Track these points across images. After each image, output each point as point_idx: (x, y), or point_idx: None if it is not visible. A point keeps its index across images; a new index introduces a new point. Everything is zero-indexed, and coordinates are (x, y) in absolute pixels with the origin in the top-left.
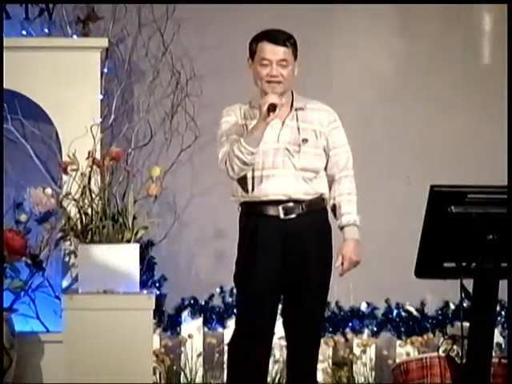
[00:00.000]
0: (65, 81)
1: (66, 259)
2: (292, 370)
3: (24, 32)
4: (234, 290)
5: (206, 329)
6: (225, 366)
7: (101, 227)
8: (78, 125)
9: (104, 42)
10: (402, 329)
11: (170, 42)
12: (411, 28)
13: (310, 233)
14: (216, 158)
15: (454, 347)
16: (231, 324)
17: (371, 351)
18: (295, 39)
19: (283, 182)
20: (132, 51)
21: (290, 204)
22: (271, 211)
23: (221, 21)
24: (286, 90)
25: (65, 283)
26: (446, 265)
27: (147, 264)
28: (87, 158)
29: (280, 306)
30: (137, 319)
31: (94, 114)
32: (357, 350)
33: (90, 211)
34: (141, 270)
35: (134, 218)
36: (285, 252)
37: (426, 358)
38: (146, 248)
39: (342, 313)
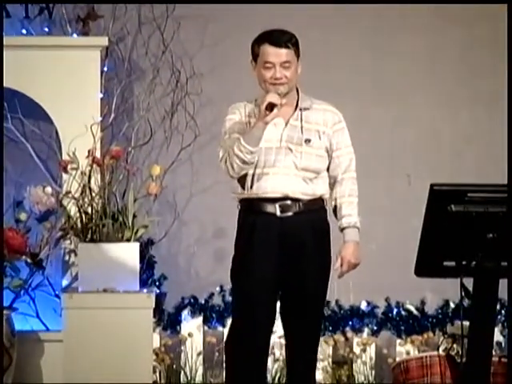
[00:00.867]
0: (65, 79)
1: (66, 258)
2: (291, 369)
3: (24, 31)
4: None
5: (205, 327)
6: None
7: (101, 226)
8: (77, 123)
9: (104, 41)
10: (402, 327)
11: (169, 40)
12: (411, 28)
13: (307, 231)
14: (216, 157)
15: (454, 346)
16: None
17: (371, 350)
18: (297, 38)
19: (283, 181)
20: (132, 50)
21: (287, 202)
22: (269, 208)
23: (221, 20)
24: (290, 89)
25: (65, 282)
26: (445, 263)
27: (147, 263)
28: (87, 157)
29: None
30: (137, 318)
31: (93, 113)
32: (357, 349)
33: (90, 210)
34: (141, 268)
35: (134, 216)
36: (282, 249)
37: (426, 357)
38: (145, 247)
39: (341, 311)
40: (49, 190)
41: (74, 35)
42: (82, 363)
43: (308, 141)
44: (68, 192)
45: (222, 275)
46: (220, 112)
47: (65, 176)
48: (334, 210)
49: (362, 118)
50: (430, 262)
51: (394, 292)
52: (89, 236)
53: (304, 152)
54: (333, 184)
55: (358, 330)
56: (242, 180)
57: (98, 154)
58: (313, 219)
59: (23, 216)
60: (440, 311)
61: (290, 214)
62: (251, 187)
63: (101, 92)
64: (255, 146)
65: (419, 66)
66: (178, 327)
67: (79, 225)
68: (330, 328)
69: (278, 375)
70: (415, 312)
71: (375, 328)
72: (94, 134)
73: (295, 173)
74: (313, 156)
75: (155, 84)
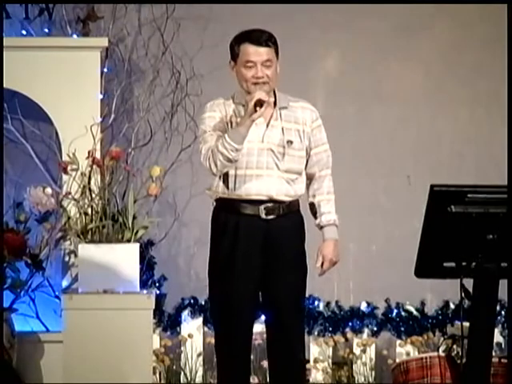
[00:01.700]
0: (65, 80)
1: (66, 259)
2: (274, 368)
3: (24, 32)
4: None
5: (205, 328)
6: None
7: (101, 227)
8: (77, 124)
9: (104, 42)
10: (402, 328)
11: (169, 41)
12: (411, 28)
13: (290, 232)
14: None
15: (454, 347)
16: None
17: (371, 351)
18: (276, 38)
19: (267, 183)
20: (132, 51)
21: (271, 204)
22: (251, 210)
23: (220, 20)
24: (271, 89)
25: (65, 283)
26: (445, 264)
27: (147, 264)
28: (87, 158)
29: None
30: (137, 319)
31: (93, 114)
32: (357, 350)
33: (89, 211)
34: (141, 269)
35: (134, 217)
36: (265, 250)
37: (425, 358)
38: (145, 248)
39: (341, 312)
40: (49, 190)
41: (74, 36)
42: (82, 364)
43: (290, 142)
44: (68, 193)
45: None
46: None
47: (65, 177)
48: (311, 206)
49: (362, 118)
50: (430, 263)
51: (394, 293)
52: (89, 237)
53: (286, 154)
54: (309, 181)
55: (357, 331)
56: (223, 179)
57: (98, 155)
58: (294, 220)
59: (23, 217)
60: (440, 312)
61: (273, 216)
62: (234, 188)
63: (101, 93)
64: (240, 143)
65: (419, 66)
66: (178, 328)
67: (79, 226)
68: (330, 329)
69: None
70: (415, 313)
71: (375, 329)
72: (93, 135)
73: (278, 174)
74: (295, 158)
75: (155, 85)
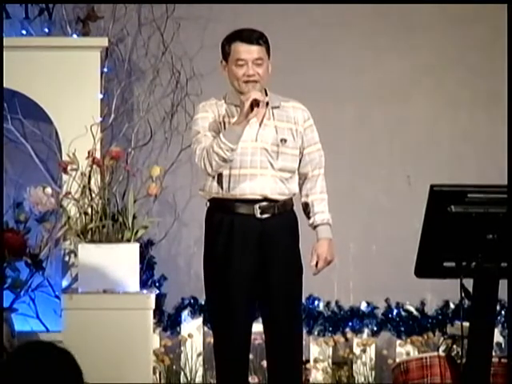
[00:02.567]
0: (65, 80)
1: (66, 259)
2: (273, 370)
3: (24, 31)
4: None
5: (205, 328)
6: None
7: (101, 227)
8: (77, 124)
9: (104, 42)
10: (402, 328)
11: (169, 41)
12: (412, 28)
13: (284, 231)
14: None
15: (454, 347)
16: None
17: (371, 351)
18: (267, 37)
19: (261, 182)
20: (132, 51)
21: (265, 203)
22: (246, 210)
23: (220, 20)
24: (262, 88)
25: (65, 283)
26: (445, 264)
27: (147, 263)
28: (87, 158)
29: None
30: (137, 319)
31: (93, 114)
32: (357, 350)
33: (89, 211)
34: (141, 269)
35: (134, 217)
36: (261, 250)
37: (425, 358)
38: (145, 247)
39: (341, 312)
40: (49, 190)
41: (74, 36)
42: (82, 364)
43: (284, 141)
44: (68, 193)
45: None
46: None
47: (65, 177)
48: (305, 206)
49: (362, 118)
50: (430, 263)
51: (394, 293)
52: (89, 237)
53: (280, 152)
54: (302, 181)
55: (357, 331)
56: (217, 179)
57: (97, 155)
58: (289, 219)
59: (23, 217)
60: (440, 312)
61: (268, 215)
62: (228, 188)
63: (101, 93)
64: (236, 143)
65: (419, 66)
66: (178, 328)
67: (79, 225)
68: (330, 329)
69: None
70: (415, 313)
71: (375, 329)
72: (93, 135)
73: (272, 173)
74: (289, 156)
75: (155, 85)
